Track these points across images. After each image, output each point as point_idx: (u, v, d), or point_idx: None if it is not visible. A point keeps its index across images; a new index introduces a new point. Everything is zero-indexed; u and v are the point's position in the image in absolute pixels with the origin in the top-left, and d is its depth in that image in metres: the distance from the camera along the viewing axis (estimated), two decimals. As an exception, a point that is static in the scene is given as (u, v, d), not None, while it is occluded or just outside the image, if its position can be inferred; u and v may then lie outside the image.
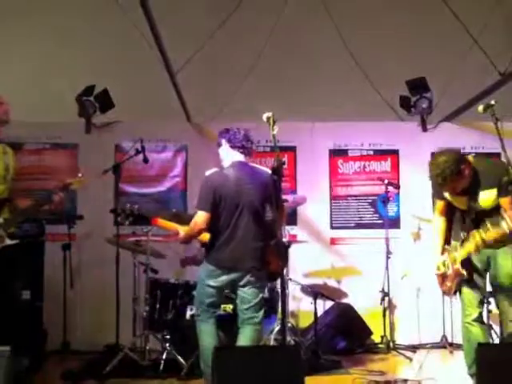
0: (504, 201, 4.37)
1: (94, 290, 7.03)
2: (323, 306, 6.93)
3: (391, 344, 6.75)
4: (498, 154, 5.23)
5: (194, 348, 5.07)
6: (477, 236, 4.32)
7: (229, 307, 5.65)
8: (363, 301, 7.02)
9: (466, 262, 4.50)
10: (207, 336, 4.65)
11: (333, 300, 6.90)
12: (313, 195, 7.14)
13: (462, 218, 4.64)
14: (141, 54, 6.42)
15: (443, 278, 4.68)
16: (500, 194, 4.37)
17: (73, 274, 6.63)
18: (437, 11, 6.23)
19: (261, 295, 4.71)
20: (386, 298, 6.83)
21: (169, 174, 7.59)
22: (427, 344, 7.00)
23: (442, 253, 4.71)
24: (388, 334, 6.84)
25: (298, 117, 7.22)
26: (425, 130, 7.50)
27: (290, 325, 6.31)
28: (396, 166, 7.67)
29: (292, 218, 7.32)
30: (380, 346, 6.84)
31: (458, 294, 4.69)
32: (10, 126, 4.92)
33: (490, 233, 4.25)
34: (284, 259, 5.94)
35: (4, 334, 4.39)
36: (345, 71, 6.86)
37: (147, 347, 5.91)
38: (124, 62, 6.74)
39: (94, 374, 5.49)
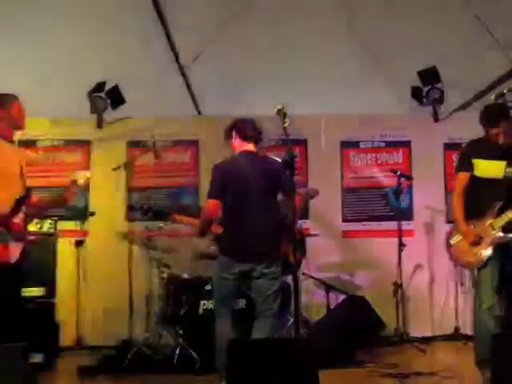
0: None
1: (106, 285, 7.06)
2: (336, 299, 6.92)
3: (404, 336, 6.74)
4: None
5: (207, 343, 5.08)
6: None
7: (241, 301, 5.65)
8: (376, 293, 7.00)
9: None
10: (223, 329, 4.63)
11: (345, 293, 6.89)
12: (324, 188, 7.12)
13: (483, 193, 4.58)
14: (151, 50, 6.41)
15: (470, 247, 4.58)
16: None
17: (85, 269, 6.66)
18: (448, 0, 6.19)
19: (275, 287, 4.67)
20: (399, 291, 6.81)
21: (180, 169, 7.60)
22: (440, 336, 6.98)
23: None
24: (401, 326, 6.83)
25: (309, 109, 7.19)
26: (436, 120, 7.46)
27: (303, 318, 6.30)
28: (408, 158, 7.64)
29: (304, 212, 7.31)
30: (393, 338, 6.83)
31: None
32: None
33: None
34: (301, 251, 5.94)
35: (17, 330, 4.41)
36: (355, 62, 6.81)
37: (160, 342, 5.93)
38: (135, 57, 6.72)
39: (108, 369, 5.51)
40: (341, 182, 7.62)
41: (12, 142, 4.53)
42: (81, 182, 4.64)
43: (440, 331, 7.05)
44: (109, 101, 7.17)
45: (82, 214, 6.92)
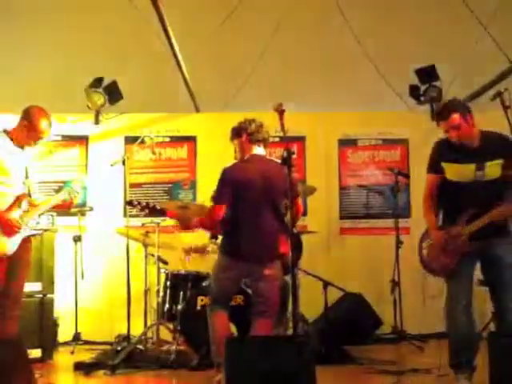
0: None
1: (104, 281, 7.07)
2: (333, 296, 6.92)
3: (402, 334, 6.75)
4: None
5: (204, 339, 5.08)
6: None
7: (240, 298, 5.66)
8: (373, 291, 7.01)
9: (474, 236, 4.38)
10: (219, 327, 4.65)
11: (343, 290, 6.89)
12: (322, 185, 7.14)
13: (457, 197, 4.47)
14: (149, 45, 6.41)
15: (439, 252, 4.52)
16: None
17: (83, 265, 6.66)
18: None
19: (276, 289, 4.69)
20: (397, 288, 6.82)
21: (178, 166, 7.60)
22: (437, 334, 6.99)
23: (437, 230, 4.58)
24: (398, 323, 6.84)
25: (307, 107, 7.20)
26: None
27: (300, 315, 6.31)
28: (405, 156, 7.66)
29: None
30: (390, 335, 6.84)
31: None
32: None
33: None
34: (298, 251, 5.95)
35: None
36: (353, 60, 6.82)
37: (158, 338, 5.94)
38: (133, 53, 6.72)
39: (105, 364, 5.52)
40: (338, 179, 7.63)
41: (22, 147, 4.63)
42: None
43: (437, 329, 7.05)
44: (106, 97, 7.17)
45: (81, 210, 6.92)
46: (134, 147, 6.87)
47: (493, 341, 4.00)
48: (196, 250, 6.45)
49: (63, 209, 5.06)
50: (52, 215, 6.20)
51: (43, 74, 6.75)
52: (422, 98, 7.23)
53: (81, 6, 6.24)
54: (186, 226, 4.89)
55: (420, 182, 7.31)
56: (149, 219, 6.35)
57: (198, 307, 5.82)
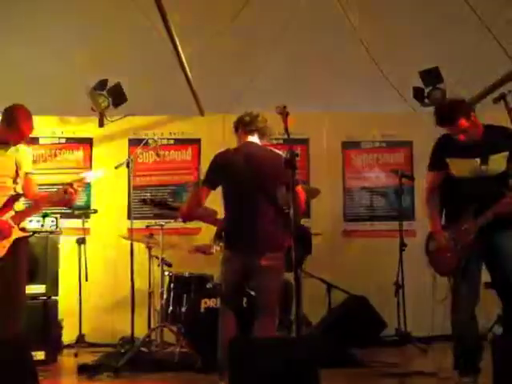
0: None
1: (108, 283, 7.08)
2: (337, 298, 6.92)
3: (406, 336, 6.73)
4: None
5: (208, 341, 5.08)
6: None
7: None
8: (377, 293, 7.00)
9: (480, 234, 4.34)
10: (224, 326, 4.61)
11: (347, 292, 6.88)
12: (326, 187, 7.13)
13: (460, 193, 4.45)
14: (153, 48, 6.42)
15: (446, 252, 4.50)
16: None
17: (87, 267, 6.67)
18: (450, 1, 6.19)
19: (277, 282, 4.64)
20: (400, 291, 6.81)
21: (182, 168, 7.61)
22: (442, 336, 6.97)
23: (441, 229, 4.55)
24: (402, 326, 6.82)
25: (310, 109, 7.20)
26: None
27: (304, 317, 6.31)
28: (409, 158, 7.65)
29: (305, 211, 7.31)
30: (394, 338, 6.82)
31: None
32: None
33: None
34: (307, 247, 5.90)
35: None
36: (357, 62, 6.81)
37: (162, 340, 5.94)
38: (137, 55, 6.73)
39: (109, 367, 5.51)
40: (342, 181, 7.63)
41: (7, 144, 4.62)
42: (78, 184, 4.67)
43: (441, 331, 7.03)
44: (110, 99, 7.17)
45: (85, 212, 6.93)
46: (138, 150, 6.88)
47: (497, 344, 3.98)
48: (200, 249, 6.46)
49: (62, 206, 5.00)
50: (56, 218, 6.21)
51: (47, 76, 6.76)
52: (426, 100, 7.22)
53: (84, 8, 6.26)
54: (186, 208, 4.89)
55: (424, 184, 7.40)
56: (153, 221, 6.36)
57: (202, 310, 5.82)
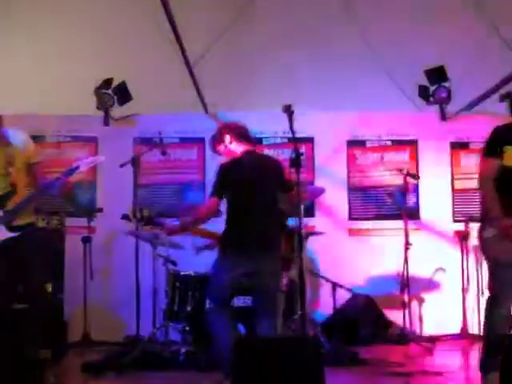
0: None
1: (113, 281, 7.08)
2: (342, 297, 6.92)
3: (410, 335, 6.73)
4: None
5: (213, 340, 5.08)
6: None
7: (247, 299, 5.66)
8: (382, 292, 7.00)
9: None
10: (220, 329, 4.59)
11: (352, 291, 6.88)
12: (331, 186, 7.12)
13: None
14: (158, 47, 6.43)
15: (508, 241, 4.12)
16: None
17: (93, 266, 6.68)
18: (458, 0, 6.19)
19: (277, 285, 4.68)
20: (405, 289, 6.80)
21: (187, 167, 7.61)
22: (447, 335, 6.97)
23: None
24: (407, 325, 6.82)
25: (315, 107, 7.19)
26: (443, 119, 7.44)
27: (308, 316, 6.31)
28: (415, 157, 7.63)
29: (310, 210, 7.32)
30: (399, 337, 6.81)
31: None
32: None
33: None
34: (299, 247, 5.87)
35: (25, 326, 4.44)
36: (362, 61, 6.82)
37: (167, 339, 5.94)
38: (142, 54, 6.75)
39: (113, 365, 5.52)
40: (347, 180, 7.62)
41: None
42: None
43: (446, 330, 7.04)
44: (115, 97, 7.19)
45: (90, 211, 6.94)
46: (144, 148, 6.88)
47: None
48: (207, 246, 6.45)
49: (65, 190, 4.96)
50: (61, 216, 6.22)
51: (53, 75, 6.78)
52: (431, 99, 7.22)
53: (88, 5, 6.27)
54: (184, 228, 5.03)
55: (429, 183, 7.41)
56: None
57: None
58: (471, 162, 7.43)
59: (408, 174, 6.94)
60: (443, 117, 7.43)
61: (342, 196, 7.55)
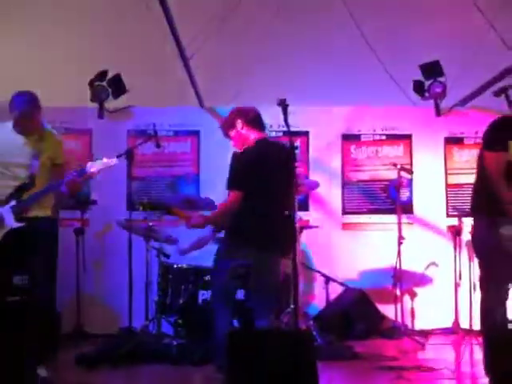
0: None
1: (106, 274, 7.08)
2: (335, 291, 6.93)
3: (403, 329, 6.74)
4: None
5: (206, 333, 5.09)
6: None
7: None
8: (375, 286, 7.02)
9: None
10: (222, 321, 4.55)
11: (345, 285, 6.90)
12: (325, 180, 7.13)
13: None
14: (153, 39, 6.40)
15: None
16: None
17: (86, 258, 6.67)
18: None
19: (277, 279, 4.63)
20: (398, 284, 6.82)
21: (181, 159, 7.60)
22: (439, 329, 6.99)
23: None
24: (400, 319, 6.84)
25: (310, 101, 7.19)
26: (438, 114, 7.44)
27: (301, 310, 6.31)
28: (409, 151, 7.64)
29: (304, 203, 7.32)
30: (392, 331, 6.83)
31: None
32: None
33: None
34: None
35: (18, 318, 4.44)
36: (357, 55, 6.80)
37: (159, 332, 5.94)
38: (137, 47, 6.72)
39: (107, 358, 5.52)
40: (341, 174, 7.62)
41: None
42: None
43: (439, 324, 7.06)
44: (110, 90, 7.16)
45: (84, 203, 6.93)
46: (138, 141, 6.87)
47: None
48: (196, 246, 6.46)
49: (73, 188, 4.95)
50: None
51: (47, 67, 6.74)
52: (426, 94, 7.21)
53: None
54: (194, 223, 4.69)
55: (423, 177, 7.42)
56: (151, 212, 6.34)
57: (200, 302, 5.84)
58: (465, 157, 7.46)
59: (402, 169, 6.95)
60: (438, 112, 7.42)
61: (336, 190, 7.56)
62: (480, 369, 4.40)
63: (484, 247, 4.34)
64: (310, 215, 7.38)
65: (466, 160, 7.43)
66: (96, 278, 7.04)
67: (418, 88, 7.21)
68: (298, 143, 7.34)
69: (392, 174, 7.20)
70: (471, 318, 6.23)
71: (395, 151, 7.67)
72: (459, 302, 6.89)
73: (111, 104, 7.32)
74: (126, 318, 5.91)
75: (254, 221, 4.45)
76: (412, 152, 7.63)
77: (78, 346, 6.25)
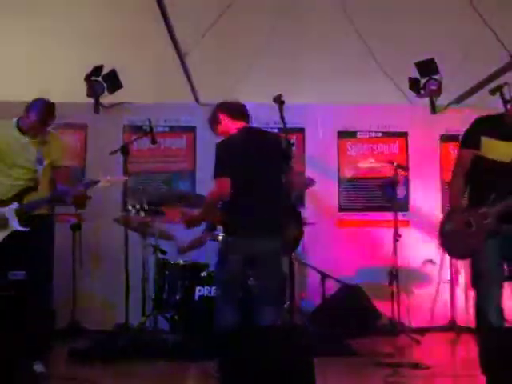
0: None
1: (103, 270, 7.07)
2: (331, 288, 6.94)
3: (399, 326, 6.75)
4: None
5: (202, 329, 5.08)
6: None
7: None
8: (371, 283, 7.02)
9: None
10: (225, 317, 4.51)
11: (341, 282, 6.90)
12: (321, 177, 7.13)
13: (488, 176, 4.18)
14: (149, 35, 6.38)
15: (462, 235, 4.21)
16: None
17: (82, 254, 6.66)
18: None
19: (280, 273, 4.60)
20: (395, 281, 6.83)
21: (177, 155, 7.59)
22: (436, 327, 7.01)
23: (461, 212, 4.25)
24: (396, 316, 6.85)
25: (307, 98, 7.19)
26: (434, 112, 7.45)
27: (297, 306, 6.32)
28: (405, 149, 7.65)
29: (300, 200, 7.32)
30: (388, 328, 6.84)
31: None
32: (19, 106, 4.95)
33: None
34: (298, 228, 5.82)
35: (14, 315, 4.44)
36: (354, 53, 6.80)
37: (156, 328, 5.94)
38: (133, 42, 6.70)
39: (101, 353, 5.51)
40: (337, 171, 7.63)
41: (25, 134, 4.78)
42: (102, 185, 4.73)
43: (435, 322, 7.07)
44: (106, 85, 7.14)
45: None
46: (133, 136, 6.85)
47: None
48: (192, 246, 6.46)
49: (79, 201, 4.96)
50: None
51: (42, 62, 6.73)
52: (422, 92, 7.22)
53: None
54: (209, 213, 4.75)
55: (419, 175, 7.43)
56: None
57: (196, 298, 5.83)
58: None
59: (398, 166, 6.96)
60: (433, 110, 7.43)
61: (332, 187, 7.56)
62: (476, 366, 4.40)
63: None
64: (306, 212, 7.37)
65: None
66: (92, 273, 7.03)
67: (414, 86, 7.21)
68: (293, 140, 7.34)
69: (388, 172, 7.21)
70: (468, 315, 6.24)
71: (391, 148, 7.68)
72: (455, 299, 6.90)
73: (107, 99, 7.30)
74: (123, 314, 5.91)
75: (235, 212, 4.47)
76: (408, 149, 7.64)
77: (73, 342, 6.24)
